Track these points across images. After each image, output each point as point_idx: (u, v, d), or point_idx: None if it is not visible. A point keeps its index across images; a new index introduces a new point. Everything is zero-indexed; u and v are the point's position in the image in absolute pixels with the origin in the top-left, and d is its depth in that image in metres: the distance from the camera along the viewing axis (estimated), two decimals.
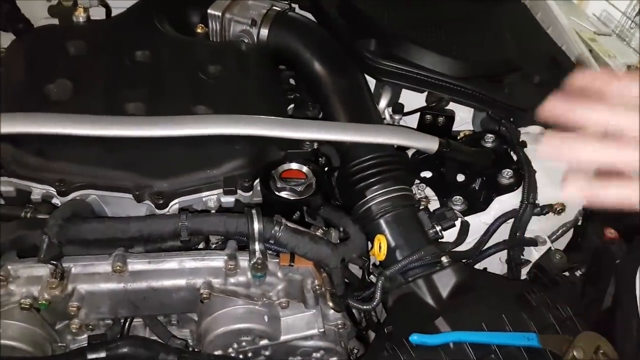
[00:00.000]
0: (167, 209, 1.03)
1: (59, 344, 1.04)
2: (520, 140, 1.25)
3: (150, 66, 1.25)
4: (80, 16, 1.36)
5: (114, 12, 1.52)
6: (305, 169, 1.13)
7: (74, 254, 0.98)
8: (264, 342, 1.03)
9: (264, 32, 1.39)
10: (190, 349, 1.08)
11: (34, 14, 1.57)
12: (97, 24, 1.40)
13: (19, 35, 1.50)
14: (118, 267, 0.94)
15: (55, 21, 1.45)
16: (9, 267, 0.96)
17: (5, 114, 1.07)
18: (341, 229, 1.10)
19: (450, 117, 1.35)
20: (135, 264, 0.97)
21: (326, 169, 1.21)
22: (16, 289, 0.96)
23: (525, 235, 1.17)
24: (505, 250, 1.18)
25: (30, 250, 0.97)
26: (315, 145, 1.17)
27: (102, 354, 0.93)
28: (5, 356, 0.94)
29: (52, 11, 1.51)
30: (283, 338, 1.03)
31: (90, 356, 0.93)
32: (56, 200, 1.04)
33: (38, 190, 1.04)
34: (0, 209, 1.06)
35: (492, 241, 1.18)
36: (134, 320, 1.10)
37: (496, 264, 1.22)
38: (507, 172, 1.19)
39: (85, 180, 1.03)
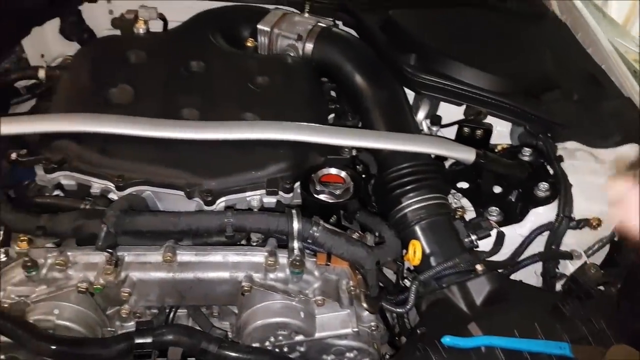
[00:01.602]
0: (215, 206, 1.10)
1: (109, 329, 1.11)
2: (557, 154, 1.26)
3: (203, 75, 1.34)
4: (140, 28, 1.47)
5: (170, 25, 1.63)
6: (343, 174, 1.18)
7: (127, 244, 1.06)
8: (299, 337, 1.07)
9: (309, 46, 1.46)
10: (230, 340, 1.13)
11: (97, 25, 1.71)
12: (156, 36, 1.50)
13: (84, 44, 1.63)
14: (168, 257, 1.01)
15: (117, 32, 1.57)
16: (69, 253, 1.04)
17: (72, 114, 1.17)
18: (377, 234, 1.14)
19: (488, 130, 1.38)
20: (184, 255, 1.03)
21: (364, 175, 1.26)
22: (74, 274, 1.04)
23: (560, 249, 1.18)
24: (540, 263, 1.19)
25: (88, 238, 1.05)
26: (354, 153, 1.22)
27: (149, 339, 0.99)
28: (61, 335, 1.01)
29: (114, 23, 1.63)
30: (318, 335, 1.07)
31: (137, 340, 0.99)
32: (113, 195, 1.13)
33: (97, 185, 1.13)
34: (62, 201, 1.15)
35: (527, 253, 1.19)
36: (178, 310, 1.16)
37: (531, 276, 1.23)
38: (544, 185, 1.20)
39: (142, 177, 1.11)
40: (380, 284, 1.14)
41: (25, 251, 1.02)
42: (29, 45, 1.56)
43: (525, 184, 1.23)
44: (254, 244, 1.14)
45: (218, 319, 1.19)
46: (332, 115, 1.39)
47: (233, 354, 0.98)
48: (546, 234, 1.18)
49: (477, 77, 1.34)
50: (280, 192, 1.13)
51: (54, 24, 1.63)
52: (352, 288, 1.06)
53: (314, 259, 1.06)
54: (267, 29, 1.48)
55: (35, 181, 1.19)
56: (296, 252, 1.03)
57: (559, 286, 1.20)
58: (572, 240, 1.18)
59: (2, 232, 1.09)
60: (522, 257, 1.19)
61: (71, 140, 1.15)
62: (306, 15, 1.56)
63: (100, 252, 1.03)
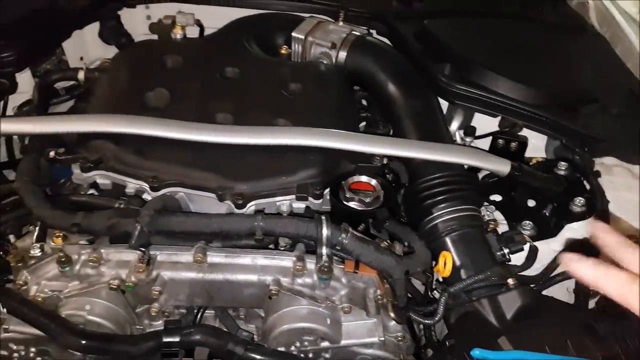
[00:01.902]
0: (245, 209, 1.11)
1: (137, 327, 1.13)
2: (594, 170, 1.23)
3: (238, 81, 1.36)
4: (177, 33, 1.50)
5: (207, 32, 1.66)
6: (373, 182, 1.17)
7: (159, 243, 1.07)
8: (325, 344, 1.06)
9: (343, 54, 1.47)
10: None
11: (135, 30, 1.75)
12: (193, 41, 1.53)
13: (122, 48, 1.67)
14: (199, 258, 1.02)
15: (154, 37, 1.61)
16: (102, 250, 1.06)
17: (109, 115, 1.20)
18: (406, 244, 1.13)
19: (523, 142, 1.36)
20: (214, 257, 1.04)
21: (394, 184, 1.25)
22: (106, 271, 1.06)
23: None
24: (573, 280, 1.16)
25: (121, 237, 1.07)
26: (385, 161, 1.22)
27: (176, 338, 1.00)
28: (91, 330, 1.03)
29: (152, 28, 1.68)
30: (343, 342, 1.06)
31: (165, 339, 1.01)
32: (147, 195, 1.15)
33: (132, 185, 1.16)
34: (97, 199, 1.18)
35: (561, 269, 1.16)
36: (206, 311, 1.17)
37: (563, 293, 1.20)
38: (580, 200, 1.18)
39: (176, 178, 1.13)
40: (409, 295, 1.13)
41: (60, 247, 1.05)
42: (69, 48, 1.61)
43: (561, 198, 1.21)
44: (282, 248, 1.14)
45: (244, 321, 1.20)
46: (363, 124, 1.39)
47: (259, 357, 0.98)
48: None
49: (513, 89, 1.32)
50: (310, 198, 1.13)
51: (93, 28, 1.68)
52: (379, 297, 1.05)
53: (342, 266, 1.06)
54: (301, 36, 1.49)
55: (71, 179, 1.23)
56: (324, 258, 1.03)
57: (592, 304, 1.17)
58: None
59: (38, 228, 1.12)
60: (555, 272, 1.17)
61: (108, 140, 1.18)
62: (340, 23, 1.56)
63: (133, 251, 1.04)
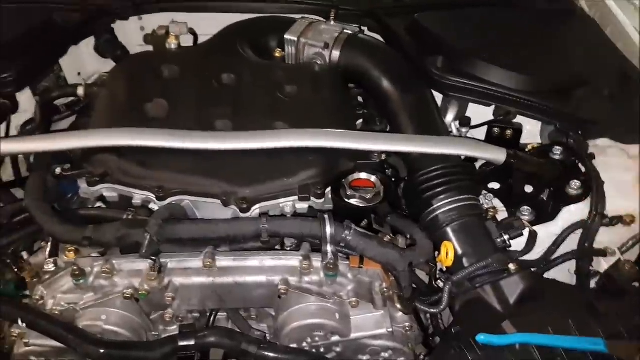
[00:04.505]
0: (250, 213, 1.14)
1: (153, 333, 1.16)
2: (589, 152, 1.26)
3: (234, 87, 1.38)
4: (172, 43, 1.51)
5: (201, 38, 1.68)
6: (373, 178, 1.20)
7: (169, 251, 1.10)
8: (335, 338, 1.09)
9: (336, 53, 1.48)
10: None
11: (129, 42, 1.77)
12: (187, 50, 1.55)
13: (118, 61, 1.69)
14: (208, 263, 1.06)
15: (150, 48, 1.63)
16: (114, 261, 1.09)
17: (111, 129, 1.22)
18: (408, 236, 1.16)
19: (518, 130, 1.38)
20: (223, 261, 1.08)
21: (393, 179, 1.27)
22: (119, 281, 1.09)
23: (594, 246, 1.17)
24: (574, 261, 1.19)
25: (131, 247, 1.10)
26: (383, 157, 1.24)
27: (192, 342, 1.04)
28: (109, 339, 1.06)
29: (146, 39, 1.70)
30: (353, 335, 1.09)
31: (181, 343, 1.04)
32: (153, 205, 1.18)
33: (139, 196, 1.18)
34: (105, 212, 1.21)
35: (561, 251, 1.19)
36: (218, 313, 1.20)
37: (565, 274, 1.23)
38: (575, 183, 1.20)
39: (181, 187, 1.16)
40: (414, 286, 1.15)
41: (73, 261, 1.08)
42: (66, 64, 1.64)
43: (557, 182, 1.23)
44: (288, 248, 1.17)
45: (256, 321, 1.23)
46: (360, 121, 1.42)
47: (272, 355, 1.02)
48: (579, 232, 1.17)
49: (505, 77, 1.34)
50: (312, 198, 1.16)
51: (89, 43, 1.70)
52: (385, 290, 1.08)
53: (347, 262, 1.09)
54: (294, 38, 1.51)
55: (78, 194, 1.26)
56: (329, 255, 1.06)
57: (593, 284, 1.20)
58: (605, 237, 1.18)
59: (50, 244, 1.15)
60: (555, 255, 1.19)
61: (112, 154, 1.20)
62: (332, 23, 1.58)
63: (144, 260, 1.07)
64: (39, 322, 1.03)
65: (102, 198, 1.24)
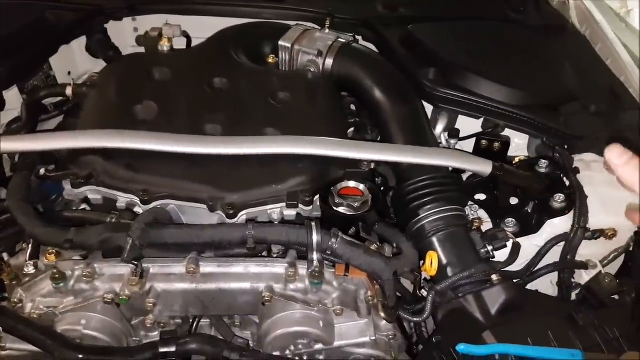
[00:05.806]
0: (237, 219, 1.13)
1: (134, 339, 1.14)
2: (574, 166, 1.27)
3: (226, 92, 1.38)
4: (165, 45, 1.51)
5: (194, 41, 1.68)
6: (362, 187, 1.20)
7: (152, 256, 1.09)
8: (319, 346, 1.09)
9: (329, 61, 1.48)
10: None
11: (122, 43, 1.76)
12: (180, 53, 1.55)
13: (109, 61, 1.68)
14: (191, 269, 1.05)
15: (142, 50, 1.62)
16: (95, 265, 1.08)
17: (98, 131, 1.21)
18: (394, 245, 1.16)
19: (506, 142, 1.39)
20: (207, 267, 1.07)
21: (382, 188, 1.28)
22: (100, 285, 1.08)
23: (576, 259, 1.18)
24: (556, 273, 1.20)
25: (114, 251, 1.08)
26: (373, 166, 1.24)
27: (173, 348, 1.02)
28: (88, 344, 1.04)
29: (139, 41, 1.69)
30: (336, 344, 1.09)
31: (162, 349, 1.02)
32: (138, 209, 1.17)
33: (123, 199, 1.17)
34: (89, 215, 1.19)
35: (543, 263, 1.20)
36: (201, 320, 1.19)
37: (547, 286, 1.24)
38: (560, 197, 1.21)
39: (167, 191, 1.15)
40: (398, 294, 1.15)
41: (53, 264, 1.06)
42: (56, 63, 1.62)
43: (542, 195, 1.24)
44: (275, 255, 1.17)
45: (240, 329, 1.22)
46: (351, 129, 1.42)
47: None
48: (562, 244, 1.18)
49: (495, 91, 1.36)
50: (300, 205, 1.16)
51: (80, 42, 1.69)
52: (370, 298, 1.08)
53: (333, 270, 1.09)
54: (288, 45, 1.51)
55: (62, 195, 1.24)
56: (315, 263, 1.06)
57: (574, 296, 1.21)
58: (587, 250, 1.19)
59: (31, 246, 1.13)
60: (538, 267, 1.20)
61: (98, 155, 1.19)
62: (327, 31, 1.58)
63: (126, 264, 1.06)
64: (16, 326, 1.00)
65: (87, 200, 1.22)
